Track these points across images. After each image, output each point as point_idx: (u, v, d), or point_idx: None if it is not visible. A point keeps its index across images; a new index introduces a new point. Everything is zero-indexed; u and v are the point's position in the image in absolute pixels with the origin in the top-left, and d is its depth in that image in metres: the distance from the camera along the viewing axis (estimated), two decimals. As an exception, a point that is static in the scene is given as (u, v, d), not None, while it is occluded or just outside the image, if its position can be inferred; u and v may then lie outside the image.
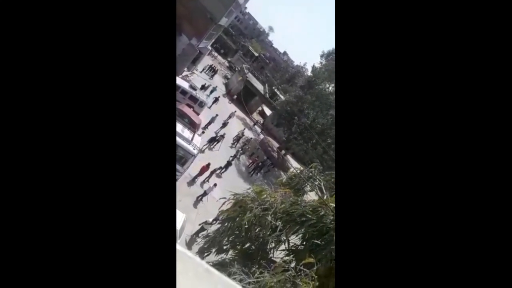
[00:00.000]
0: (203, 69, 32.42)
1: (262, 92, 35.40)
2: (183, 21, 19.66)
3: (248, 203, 6.74)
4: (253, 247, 6.79)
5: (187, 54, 21.44)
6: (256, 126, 31.71)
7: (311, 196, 8.23)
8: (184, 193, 13.02)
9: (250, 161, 22.08)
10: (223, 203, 7.50)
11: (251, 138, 26.50)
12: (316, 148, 24.38)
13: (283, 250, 6.75)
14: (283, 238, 6.55)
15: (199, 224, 11.28)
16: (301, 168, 14.00)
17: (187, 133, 13.21)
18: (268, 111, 34.80)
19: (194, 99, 19.72)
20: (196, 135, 14.00)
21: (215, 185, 13.90)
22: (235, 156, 19.70)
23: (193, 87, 20.57)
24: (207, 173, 15.06)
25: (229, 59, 47.81)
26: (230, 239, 6.96)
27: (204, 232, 10.02)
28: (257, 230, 6.59)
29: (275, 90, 39.16)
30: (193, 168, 14.10)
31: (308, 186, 8.36)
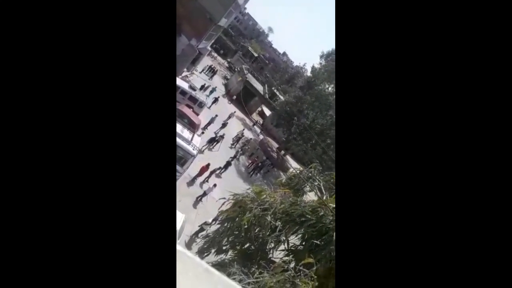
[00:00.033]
0: (203, 70, 32.41)
1: (262, 93, 35.40)
2: (182, 22, 19.66)
3: (248, 203, 6.74)
4: (252, 247, 6.79)
5: (186, 54, 21.43)
6: (255, 126, 31.70)
7: (311, 197, 8.23)
8: (183, 194, 13.02)
9: (250, 161, 22.08)
10: (223, 203, 7.50)
11: (251, 138, 26.49)
12: (316, 148, 24.38)
13: (283, 250, 6.75)
14: (283, 238, 6.54)
15: (199, 226, 11.27)
16: (301, 169, 14.00)
17: (186, 134, 13.20)
18: (267, 112, 34.80)
19: (193, 99, 19.72)
20: (195, 136, 14.00)
21: (214, 185, 13.89)
22: (234, 156, 19.69)
23: (192, 88, 20.57)
24: (206, 174, 15.05)
25: (228, 59, 47.80)
26: (230, 239, 6.96)
27: (204, 233, 10.02)
28: (256, 231, 6.59)
29: (275, 90, 39.16)
30: (192, 169, 14.09)
31: (307, 186, 8.36)
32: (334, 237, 5.57)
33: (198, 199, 13.61)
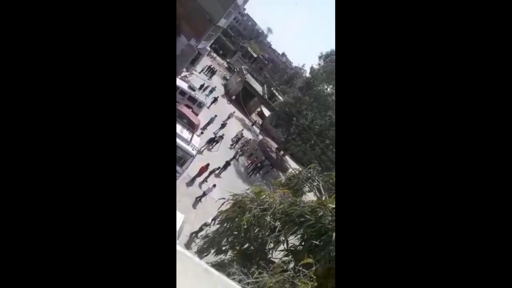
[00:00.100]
0: (202, 70, 32.40)
1: (261, 93, 35.40)
2: (182, 22, 19.65)
3: (247, 203, 6.74)
4: (252, 247, 6.78)
5: (186, 54, 21.42)
6: (254, 126, 31.69)
7: (310, 197, 8.23)
8: (183, 194, 13.00)
9: (249, 161, 22.08)
10: (222, 204, 7.49)
11: (250, 139, 26.49)
12: (315, 149, 24.39)
13: (282, 250, 6.74)
14: (282, 238, 6.54)
15: (199, 228, 11.26)
16: (300, 169, 14.01)
17: (186, 134, 13.20)
18: (266, 112, 34.80)
19: (193, 99, 19.71)
20: (195, 136, 14.00)
21: (214, 185, 13.88)
22: (234, 157, 19.69)
23: (192, 88, 20.56)
24: (206, 174, 15.04)
25: (228, 60, 47.77)
26: (229, 239, 6.95)
27: (203, 233, 10.01)
28: (256, 231, 6.58)
29: (274, 91, 39.17)
30: (192, 169, 14.08)
31: (306, 186, 8.35)
32: (334, 238, 5.57)
33: (198, 200, 13.60)
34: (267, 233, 6.39)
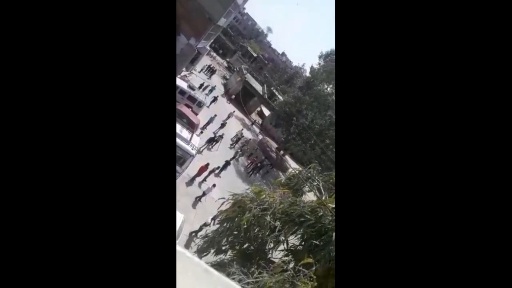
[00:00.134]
0: (202, 69, 32.40)
1: (261, 93, 35.42)
2: (181, 21, 19.65)
3: (247, 203, 6.74)
4: (252, 247, 6.78)
5: (185, 54, 21.41)
6: (254, 126, 31.71)
7: (310, 197, 8.23)
8: (182, 193, 13.01)
9: (249, 161, 22.09)
10: (222, 203, 7.49)
11: (250, 139, 26.50)
12: (315, 148, 24.41)
13: (282, 250, 6.74)
14: (282, 238, 6.54)
15: (199, 227, 11.26)
16: (300, 169, 14.02)
17: (185, 133, 13.21)
18: (266, 112, 34.82)
19: (192, 99, 19.72)
20: (194, 135, 14.00)
21: (214, 185, 13.89)
22: (234, 157, 19.69)
23: (191, 87, 20.56)
24: (205, 174, 15.05)
25: (227, 59, 47.78)
26: (229, 239, 6.95)
27: (203, 233, 10.01)
28: (256, 231, 6.58)
29: (274, 90, 39.19)
30: (191, 169, 14.08)
31: (306, 186, 8.36)
32: (333, 237, 5.57)
33: (197, 199, 13.60)
34: (267, 233, 6.39)
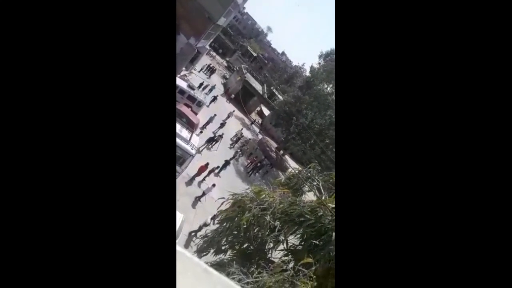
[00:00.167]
0: (201, 69, 32.39)
1: (261, 92, 35.41)
2: (181, 21, 19.64)
3: (247, 203, 6.74)
4: (251, 247, 6.78)
5: (185, 53, 21.40)
6: (253, 125, 31.70)
7: (310, 197, 8.22)
8: (182, 193, 13.01)
9: (249, 161, 22.09)
10: (222, 203, 7.49)
11: (250, 138, 26.50)
12: (314, 148, 24.41)
13: (282, 250, 6.74)
14: (282, 238, 6.54)
15: (198, 227, 11.26)
16: (300, 168, 14.02)
17: (185, 133, 13.20)
18: (266, 111, 34.82)
19: (192, 98, 19.70)
20: (194, 135, 13.99)
21: (213, 185, 13.89)
22: (233, 156, 19.69)
23: (191, 87, 20.55)
24: (205, 173, 15.05)
25: (227, 59, 47.76)
26: (229, 239, 6.95)
27: (203, 232, 10.01)
28: (255, 230, 6.58)
29: (274, 90, 39.17)
30: (191, 168, 14.08)
31: (306, 186, 8.35)
32: (333, 237, 5.57)
33: (197, 199, 13.60)
34: (267, 233, 6.39)
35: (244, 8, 57.92)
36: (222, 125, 22.53)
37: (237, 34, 61.34)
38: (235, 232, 6.85)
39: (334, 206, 6.20)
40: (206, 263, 1.10)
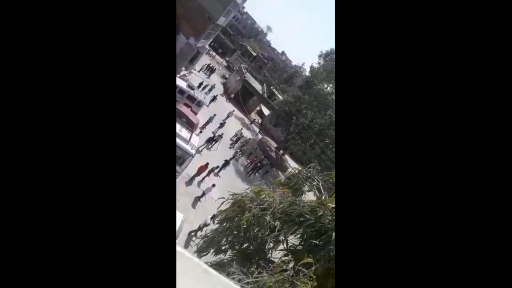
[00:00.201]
0: (201, 69, 32.38)
1: (260, 92, 35.40)
2: (181, 20, 19.63)
3: (247, 203, 6.73)
4: (251, 247, 6.78)
5: (185, 53, 21.39)
6: (253, 125, 31.70)
7: (309, 196, 8.22)
8: (182, 193, 13.01)
9: (249, 161, 22.09)
10: (222, 203, 7.49)
11: (249, 138, 26.50)
12: (314, 148, 24.41)
13: (282, 250, 6.74)
14: (282, 238, 6.54)
15: (198, 227, 11.26)
16: (299, 168, 14.02)
17: (185, 133, 13.20)
18: (266, 111, 34.82)
19: (192, 98, 19.69)
20: (194, 135, 13.99)
21: (213, 185, 13.89)
22: (233, 156, 19.69)
23: (191, 87, 20.54)
24: (205, 173, 15.05)
25: (227, 58, 47.74)
26: (229, 239, 6.95)
27: (203, 232, 10.01)
28: (255, 230, 6.58)
29: (273, 90, 39.16)
30: (191, 168, 14.08)
31: (306, 186, 8.35)
32: (333, 237, 5.57)
33: (197, 199, 13.60)
34: (267, 233, 6.39)
35: (243, 7, 57.93)
36: (222, 125, 22.52)
37: (236, 33, 61.31)
38: (235, 232, 6.85)
39: (334, 206, 6.20)
40: (206, 263, 1.10)
